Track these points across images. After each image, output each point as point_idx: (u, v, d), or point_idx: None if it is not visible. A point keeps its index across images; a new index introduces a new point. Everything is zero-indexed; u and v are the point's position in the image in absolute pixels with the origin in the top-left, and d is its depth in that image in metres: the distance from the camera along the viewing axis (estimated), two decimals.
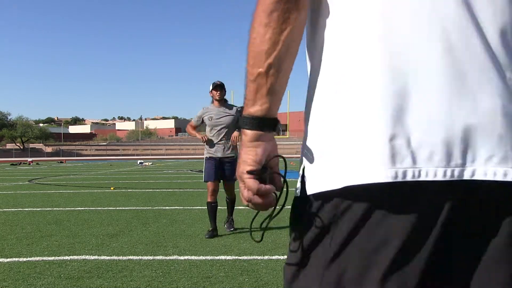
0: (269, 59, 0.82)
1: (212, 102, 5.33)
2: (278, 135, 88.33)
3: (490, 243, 0.77)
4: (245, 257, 4.05)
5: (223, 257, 4.09)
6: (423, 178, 0.74)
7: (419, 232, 0.75)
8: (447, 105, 0.74)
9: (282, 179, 0.87)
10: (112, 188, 11.64)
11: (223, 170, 5.20)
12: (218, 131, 5.21)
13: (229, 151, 5.22)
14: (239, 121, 0.88)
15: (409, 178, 0.74)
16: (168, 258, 4.08)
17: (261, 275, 3.52)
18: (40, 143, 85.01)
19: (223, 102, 5.28)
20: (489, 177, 0.75)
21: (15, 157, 63.35)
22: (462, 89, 0.75)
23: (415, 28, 0.76)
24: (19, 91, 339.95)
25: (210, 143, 5.21)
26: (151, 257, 4.10)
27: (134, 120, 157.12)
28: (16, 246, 4.65)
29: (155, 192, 10.69)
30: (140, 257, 4.10)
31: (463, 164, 0.75)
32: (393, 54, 0.76)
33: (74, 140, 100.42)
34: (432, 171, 0.74)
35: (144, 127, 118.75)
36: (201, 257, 4.09)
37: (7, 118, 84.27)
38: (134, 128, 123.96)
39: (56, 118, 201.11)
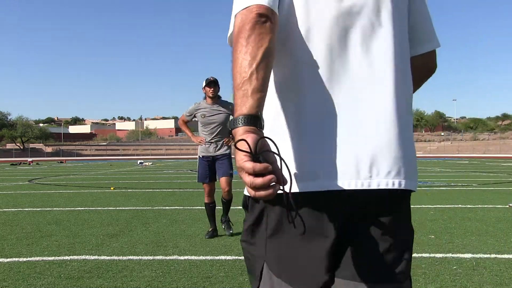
0: (251, 68, 1.00)
1: (205, 98, 5.18)
2: None
3: (383, 226, 1.10)
4: None
5: (223, 257, 4.09)
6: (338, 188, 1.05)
7: (335, 220, 1.06)
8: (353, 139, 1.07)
9: (278, 158, 0.94)
10: (112, 188, 11.64)
11: (217, 168, 5.13)
12: (211, 129, 5.10)
13: (222, 150, 5.13)
14: (230, 125, 1.01)
15: (329, 188, 1.05)
16: (168, 258, 4.08)
17: None
18: (40, 143, 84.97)
19: (216, 99, 5.13)
20: (389, 186, 1.06)
21: (15, 157, 63.32)
22: (362, 128, 1.08)
23: (330, 87, 1.08)
24: (19, 91, 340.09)
25: (205, 143, 5.11)
26: (151, 257, 4.10)
27: (134, 120, 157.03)
28: (16, 246, 4.65)
29: (155, 192, 10.69)
30: (140, 257, 4.10)
31: (371, 177, 1.06)
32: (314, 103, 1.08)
33: (74, 140, 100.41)
34: (347, 182, 1.05)
35: (144, 127, 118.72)
36: (201, 257, 4.09)
37: (7, 118, 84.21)
38: (134, 128, 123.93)
39: (56, 118, 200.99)
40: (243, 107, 0.98)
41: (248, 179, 0.90)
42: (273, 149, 0.94)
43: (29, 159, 43.86)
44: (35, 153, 71.35)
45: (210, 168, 5.11)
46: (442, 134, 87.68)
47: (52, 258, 4.10)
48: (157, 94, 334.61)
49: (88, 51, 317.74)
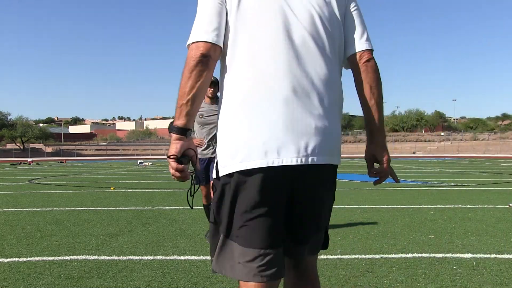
0: (188, 96, 1.49)
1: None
2: None
3: (312, 191, 1.55)
4: None
5: None
6: (285, 163, 1.47)
7: (280, 191, 1.49)
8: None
9: (190, 163, 1.58)
10: (112, 188, 11.64)
11: (210, 170, 4.95)
12: (208, 129, 4.96)
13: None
14: (169, 128, 1.55)
15: (275, 164, 1.46)
16: (168, 258, 4.08)
17: None
18: (40, 143, 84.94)
19: (215, 99, 5.01)
20: (320, 161, 1.50)
21: (15, 157, 63.31)
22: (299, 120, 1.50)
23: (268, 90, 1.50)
24: (19, 91, 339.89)
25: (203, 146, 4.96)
26: (151, 257, 4.10)
27: (134, 120, 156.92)
28: (16, 246, 4.65)
29: (155, 192, 10.69)
30: (140, 257, 4.10)
31: (307, 156, 1.48)
32: (254, 107, 1.50)
33: (74, 140, 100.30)
34: (289, 159, 1.46)
35: (144, 127, 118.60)
36: (201, 257, 4.09)
37: (7, 118, 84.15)
38: (134, 128, 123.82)
39: (56, 118, 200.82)
40: (178, 120, 1.52)
41: (171, 171, 1.53)
42: (190, 152, 1.57)
43: (29, 159, 43.85)
44: (35, 153, 71.34)
45: (206, 170, 4.96)
46: (442, 134, 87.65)
47: (52, 258, 4.10)
48: (157, 94, 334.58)
49: (88, 50, 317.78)
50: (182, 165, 1.52)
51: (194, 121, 1.58)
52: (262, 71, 1.48)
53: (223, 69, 1.57)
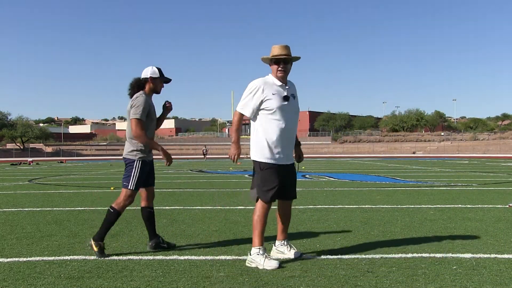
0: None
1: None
2: None
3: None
4: (245, 257, 4.05)
5: (223, 257, 4.09)
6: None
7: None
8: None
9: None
10: (112, 188, 11.64)
11: None
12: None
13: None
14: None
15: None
16: (168, 258, 4.08)
17: (261, 275, 3.52)
18: (40, 143, 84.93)
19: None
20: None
21: (15, 157, 63.32)
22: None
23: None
24: (19, 91, 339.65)
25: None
26: (151, 257, 4.10)
27: None
28: (16, 246, 4.65)
29: (155, 192, 10.67)
30: (140, 257, 4.10)
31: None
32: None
33: (74, 140, 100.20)
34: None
35: None
36: (201, 257, 4.09)
37: (7, 118, 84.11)
38: None
39: (56, 118, 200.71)
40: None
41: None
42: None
43: (29, 159, 43.86)
44: (35, 153, 71.34)
45: None
46: (442, 134, 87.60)
47: (52, 258, 4.10)
48: (157, 94, 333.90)
49: (88, 51, 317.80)
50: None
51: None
52: None
53: None
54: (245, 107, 3.95)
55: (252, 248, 3.88)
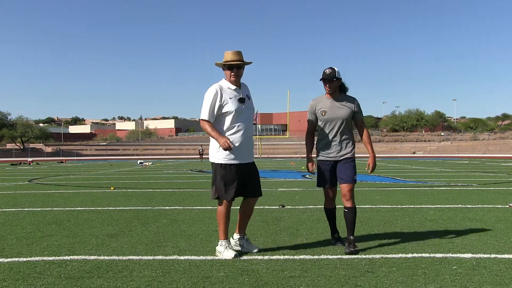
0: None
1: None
2: (278, 135, 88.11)
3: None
4: (245, 257, 4.05)
5: (223, 257, 4.08)
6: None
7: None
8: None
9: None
10: (112, 188, 11.64)
11: (338, 172, 4.50)
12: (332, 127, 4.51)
13: (345, 151, 4.49)
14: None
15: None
16: (168, 258, 4.08)
17: (261, 275, 3.52)
18: (40, 143, 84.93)
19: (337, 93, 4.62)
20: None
21: (15, 157, 63.33)
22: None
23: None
24: (19, 91, 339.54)
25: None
26: (151, 257, 4.10)
27: (134, 120, 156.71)
28: (16, 246, 4.65)
29: (155, 192, 10.69)
30: (140, 257, 4.10)
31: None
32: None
33: (74, 140, 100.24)
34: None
35: (144, 127, 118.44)
36: (201, 257, 4.09)
37: (7, 118, 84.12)
38: (134, 128, 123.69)
39: (56, 118, 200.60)
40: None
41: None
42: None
43: (29, 159, 43.85)
44: (35, 153, 71.34)
45: (331, 172, 4.51)
46: (442, 134, 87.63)
47: (52, 258, 4.10)
48: (157, 94, 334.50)
49: (89, 50, 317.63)
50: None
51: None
52: None
53: None
54: (210, 115, 4.18)
55: (219, 240, 4.25)
